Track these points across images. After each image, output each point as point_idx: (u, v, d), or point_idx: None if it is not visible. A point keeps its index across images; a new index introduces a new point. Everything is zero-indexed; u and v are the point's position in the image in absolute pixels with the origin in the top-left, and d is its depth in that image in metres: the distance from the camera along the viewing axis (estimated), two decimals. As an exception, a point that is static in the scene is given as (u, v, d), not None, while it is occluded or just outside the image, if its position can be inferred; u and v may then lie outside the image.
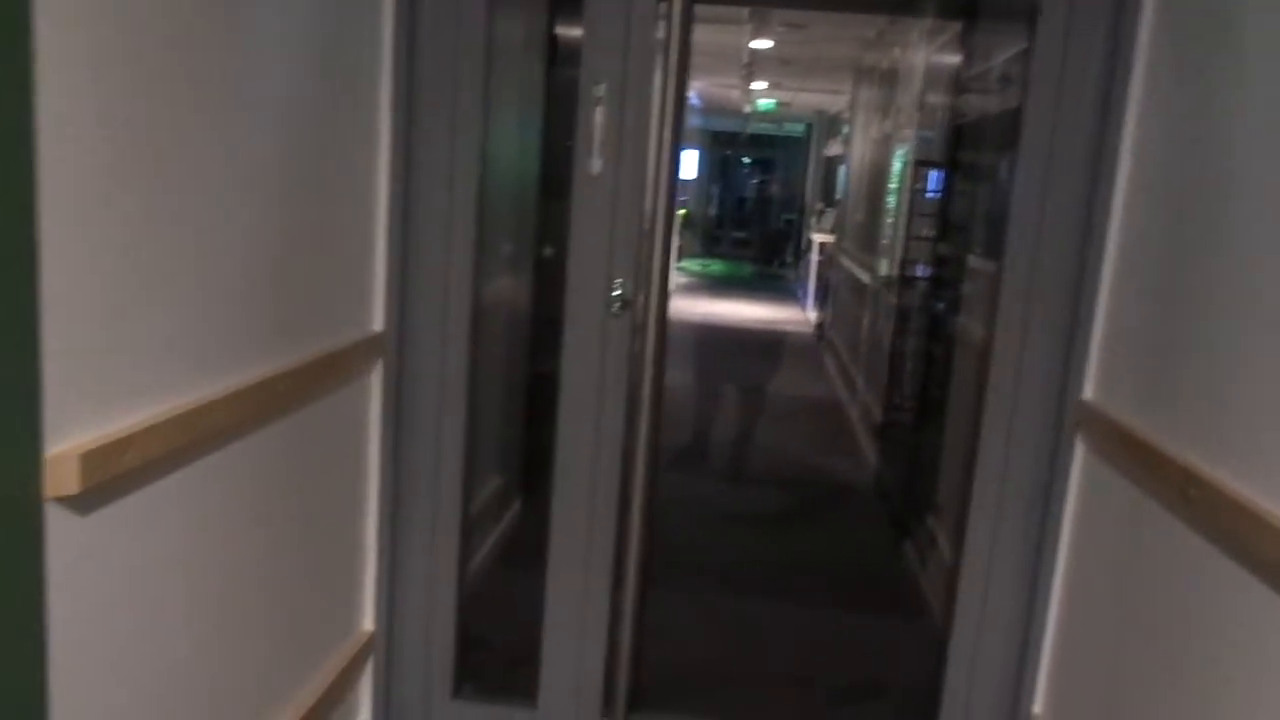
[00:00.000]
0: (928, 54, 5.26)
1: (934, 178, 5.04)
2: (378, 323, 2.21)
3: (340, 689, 2.16)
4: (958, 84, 4.54)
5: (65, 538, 1.22)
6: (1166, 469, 1.67)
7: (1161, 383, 1.76)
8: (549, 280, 3.55)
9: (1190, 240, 1.70)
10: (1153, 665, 1.70)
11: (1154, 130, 1.92)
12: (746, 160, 18.73)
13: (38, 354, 1.13)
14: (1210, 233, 1.62)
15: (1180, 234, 1.75)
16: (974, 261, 3.78)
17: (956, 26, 4.55)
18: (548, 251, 3.52)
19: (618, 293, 2.23)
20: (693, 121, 15.03)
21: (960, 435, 3.31)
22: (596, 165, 2.19)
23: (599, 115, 2.17)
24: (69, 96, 1.15)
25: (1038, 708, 2.23)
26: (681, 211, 16.20)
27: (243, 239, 1.58)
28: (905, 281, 5.08)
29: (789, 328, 10.04)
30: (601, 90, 2.15)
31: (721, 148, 18.31)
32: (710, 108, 14.77)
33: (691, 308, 10.56)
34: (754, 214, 17.84)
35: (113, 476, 1.27)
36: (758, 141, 18.30)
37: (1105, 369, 2.06)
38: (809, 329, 9.90)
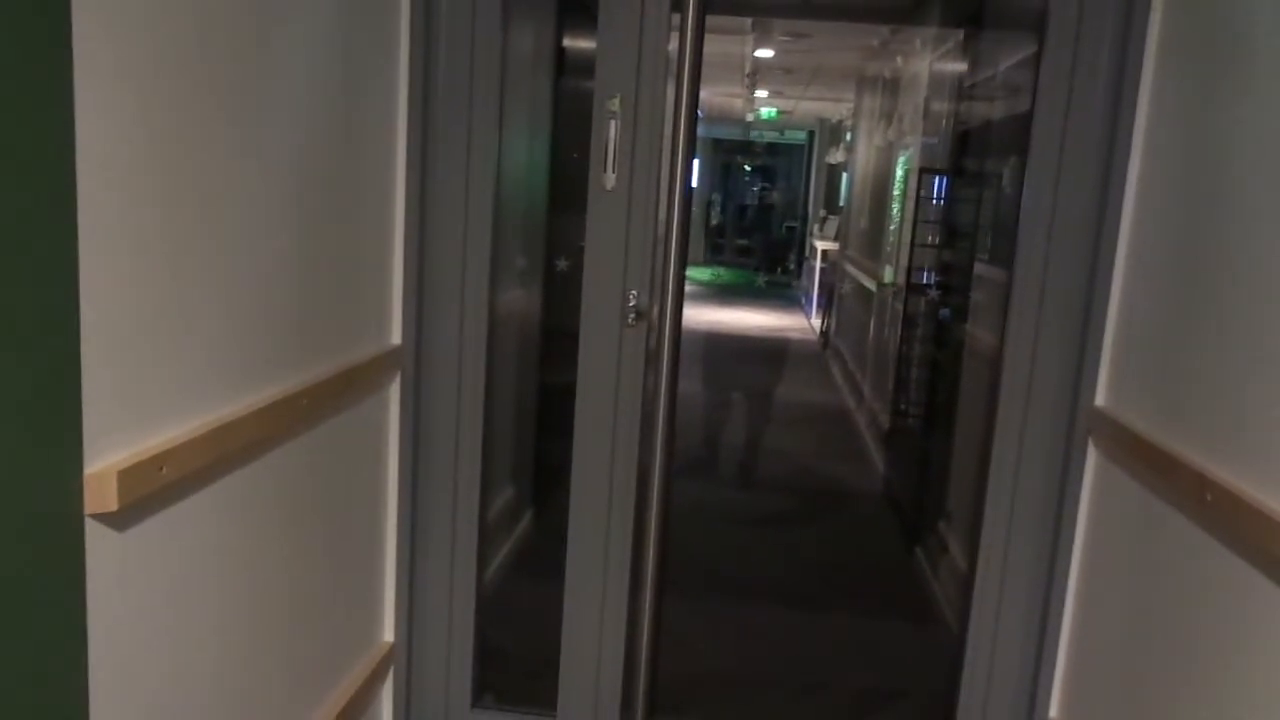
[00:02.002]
0: (931, 62, 5.29)
1: (938, 184, 5.06)
2: (396, 336, 2.23)
3: (362, 700, 2.18)
4: (961, 91, 4.57)
5: (104, 553, 1.24)
6: (1181, 473, 1.68)
7: (1175, 388, 1.78)
8: (559, 292, 3.57)
9: (1201, 245, 1.72)
10: (1168, 668, 1.72)
11: (1164, 135, 1.94)
12: (748, 168, 18.77)
13: (78, 375, 1.15)
14: (1221, 237, 1.64)
15: (1191, 239, 1.77)
16: (980, 268, 3.81)
17: (959, 34, 4.58)
18: (562, 264, 3.54)
19: (633, 304, 2.26)
20: (694, 130, 15.02)
21: (969, 442, 3.33)
22: (610, 179, 2.21)
23: (612, 129, 2.19)
24: (106, 119, 1.18)
25: (1054, 712, 2.25)
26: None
27: (268, 257, 1.61)
28: (911, 288, 5.11)
29: (793, 335, 10.06)
30: (615, 104, 2.18)
31: (723, 155, 18.35)
32: (712, 116, 14.80)
33: (697, 316, 10.58)
34: (756, 222, 17.87)
35: (148, 493, 1.29)
36: (760, 149, 18.34)
37: (1117, 375, 2.07)
38: (813, 336, 9.92)
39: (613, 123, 2.19)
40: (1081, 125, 2.12)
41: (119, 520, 1.26)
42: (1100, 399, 2.13)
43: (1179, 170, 1.86)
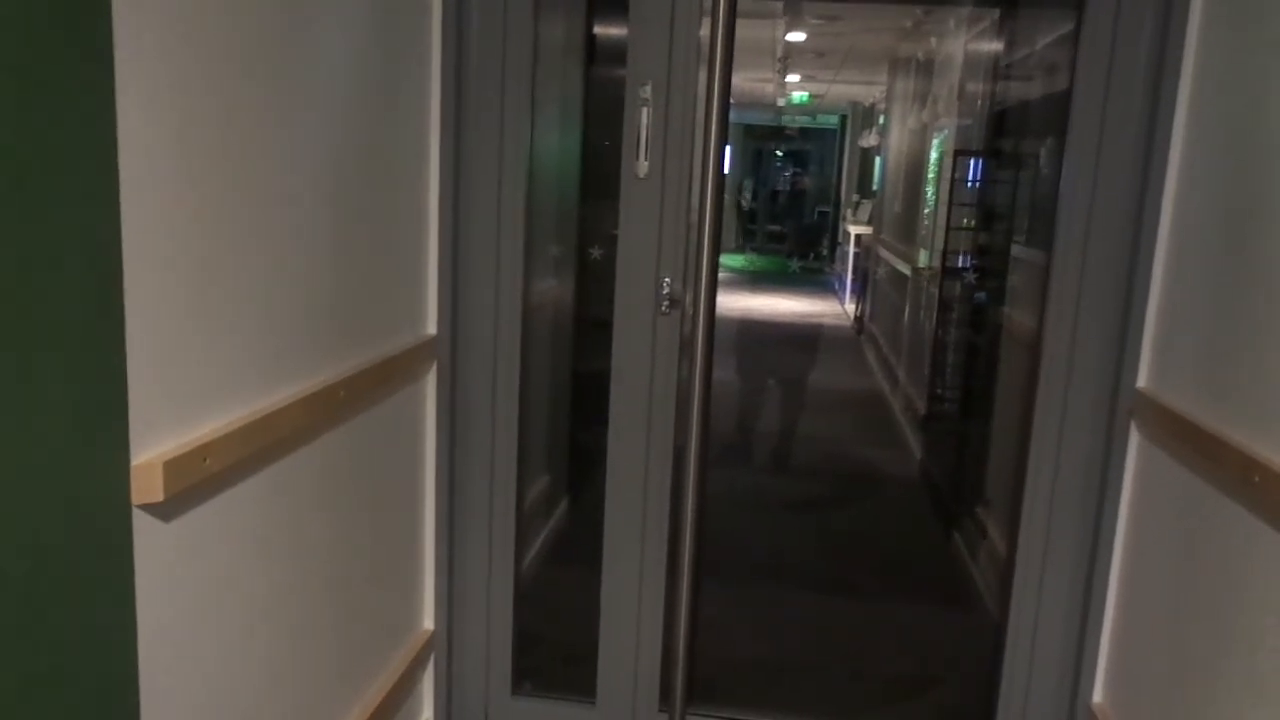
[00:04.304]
0: (965, 42, 5.23)
1: (973, 166, 5.01)
2: (431, 326, 2.24)
3: (404, 687, 2.20)
4: (997, 71, 4.51)
5: (151, 542, 1.26)
6: (1227, 455, 1.66)
7: (1219, 368, 1.75)
8: (592, 279, 3.58)
9: (1246, 226, 1.69)
10: (1213, 652, 1.70)
11: (1208, 111, 1.91)
12: (780, 153, 18.66)
13: (123, 369, 1.17)
14: (1266, 218, 1.61)
15: (1235, 219, 1.73)
16: (1017, 250, 3.76)
17: (994, 13, 4.52)
18: (595, 253, 3.55)
19: (666, 291, 2.25)
20: (725, 116, 14.95)
21: (1008, 425, 3.30)
22: (643, 167, 2.21)
23: (644, 116, 2.19)
24: (147, 116, 1.19)
25: (1096, 697, 2.23)
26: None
27: (306, 250, 1.62)
28: (946, 272, 5.06)
29: (827, 320, 10.00)
30: (647, 91, 2.17)
31: (755, 141, 18.25)
32: (743, 101, 14.73)
33: (730, 303, 10.55)
34: (789, 207, 17.77)
35: (193, 483, 1.31)
36: (791, 134, 18.22)
37: (1159, 356, 2.04)
38: (847, 321, 9.86)
39: (644, 110, 2.19)
40: (1122, 102, 2.08)
41: (165, 510, 1.28)
42: (1143, 381, 2.10)
43: (1223, 147, 1.82)
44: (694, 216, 2.20)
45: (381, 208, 1.94)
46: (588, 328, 3.61)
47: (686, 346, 2.26)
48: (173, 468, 1.24)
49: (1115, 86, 2.09)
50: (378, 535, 2.05)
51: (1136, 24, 2.05)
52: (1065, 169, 2.14)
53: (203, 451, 1.32)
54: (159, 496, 1.22)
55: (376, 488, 2.03)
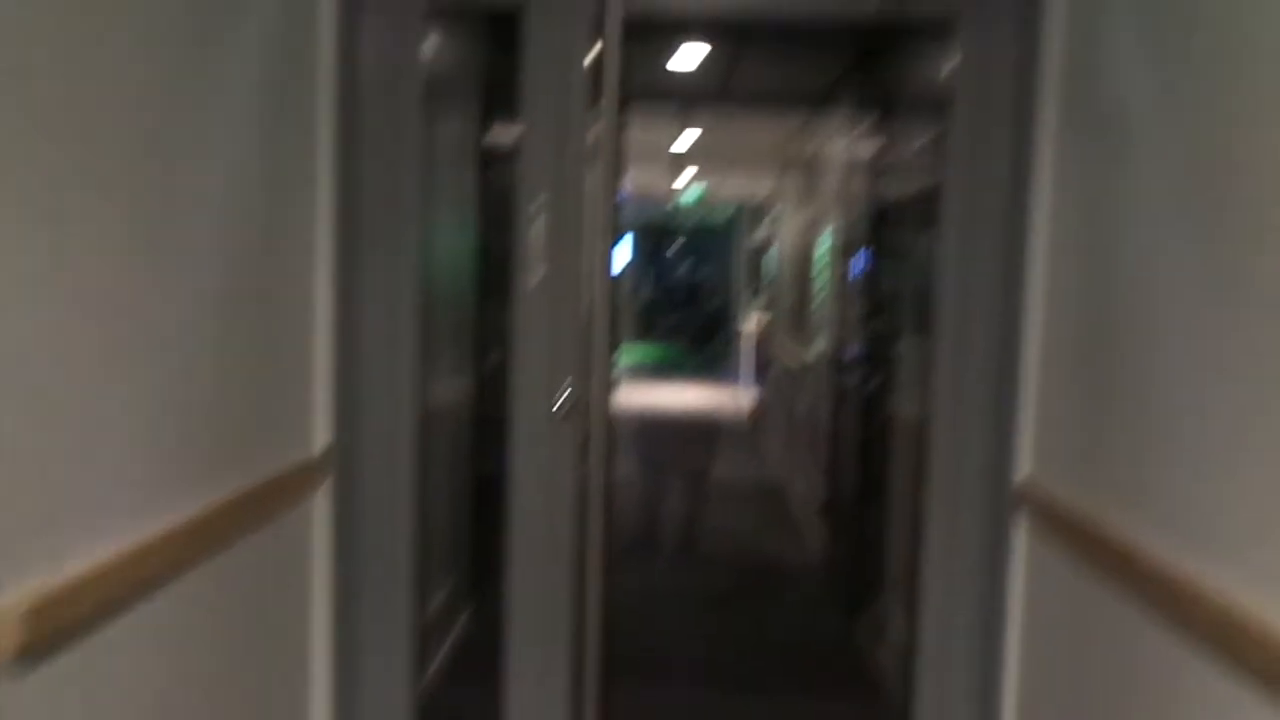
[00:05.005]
0: (848, 142, 5.45)
1: (859, 260, 5.17)
2: (320, 442, 2.17)
3: (293, 824, 2.07)
4: (878, 169, 4.70)
5: (8, 702, 1.16)
6: (1105, 544, 1.71)
7: (1094, 459, 1.82)
8: (489, 382, 3.54)
9: (1108, 319, 1.77)
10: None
11: (1066, 207, 2.01)
12: (675, 248, 19.05)
13: (-23, 507, 1.10)
14: (1124, 312, 1.69)
15: (1098, 311, 1.82)
16: (904, 341, 3.87)
17: (875, 115, 4.72)
18: (493, 356, 3.53)
19: (562, 397, 2.24)
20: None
21: (905, 515, 3.34)
22: (535, 275, 2.21)
23: (535, 226, 2.20)
24: (10, 225, 1.14)
25: (1004, 789, 2.23)
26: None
27: (180, 370, 1.57)
28: (838, 362, 5.17)
29: (726, 412, 10.09)
30: (538, 202, 2.19)
31: (651, 237, 18.61)
32: (637, 198, 15.03)
33: (629, 397, 10.57)
34: (685, 300, 18.09)
35: (56, 629, 1.22)
36: (686, 229, 18.64)
37: (1040, 446, 2.10)
38: (746, 412, 9.97)
39: (535, 220, 2.20)
40: (986, 200, 2.19)
41: (24, 664, 1.19)
42: (1027, 470, 2.15)
43: (1081, 239, 1.92)
44: (587, 319, 2.21)
45: (265, 321, 1.89)
46: (487, 428, 3.56)
47: (584, 448, 2.24)
48: (32, 617, 1.16)
49: (980, 184, 2.19)
50: (265, 669, 1.95)
51: (998, 124, 2.17)
52: (939, 264, 2.23)
53: (67, 595, 1.23)
54: (15, 649, 1.13)
55: (263, 617, 1.93)
